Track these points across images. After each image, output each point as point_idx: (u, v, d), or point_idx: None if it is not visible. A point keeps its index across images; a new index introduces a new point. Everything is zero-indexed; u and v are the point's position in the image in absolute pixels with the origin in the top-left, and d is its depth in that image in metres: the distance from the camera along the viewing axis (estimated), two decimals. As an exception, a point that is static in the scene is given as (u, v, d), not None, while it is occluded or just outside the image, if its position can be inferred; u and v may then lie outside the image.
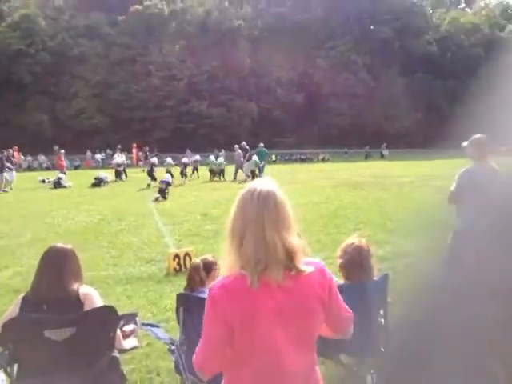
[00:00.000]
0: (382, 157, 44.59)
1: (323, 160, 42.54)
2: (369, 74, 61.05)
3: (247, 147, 22.72)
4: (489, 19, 69.85)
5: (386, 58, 61.77)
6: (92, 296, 2.59)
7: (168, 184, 15.62)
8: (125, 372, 2.88)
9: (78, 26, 53.34)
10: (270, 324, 1.46)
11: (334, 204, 12.50)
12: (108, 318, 2.59)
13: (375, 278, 2.76)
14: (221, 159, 22.79)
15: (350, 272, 2.70)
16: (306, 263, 1.53)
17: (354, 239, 2.79)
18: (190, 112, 52.23)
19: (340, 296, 1.64)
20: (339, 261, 2.79)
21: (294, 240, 1.51)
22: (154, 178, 19.05)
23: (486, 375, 2.64)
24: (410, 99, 61.44)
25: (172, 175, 17.42)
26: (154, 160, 21.42)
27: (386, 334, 2.91)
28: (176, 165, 22.79)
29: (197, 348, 1.56)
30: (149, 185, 18.58)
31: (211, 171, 22.20)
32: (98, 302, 2.60)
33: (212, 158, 23.00)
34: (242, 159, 21.95)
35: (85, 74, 50.91)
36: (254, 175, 20.21)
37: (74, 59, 50.99)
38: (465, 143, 4.62)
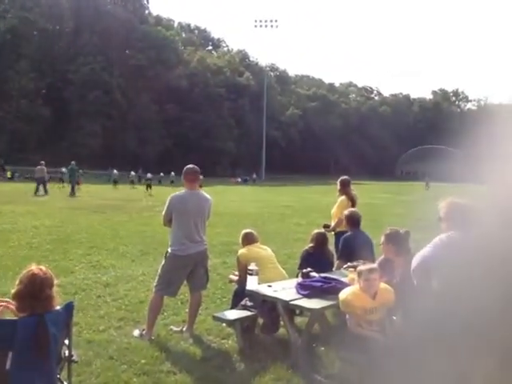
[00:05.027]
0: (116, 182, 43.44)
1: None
2: (123, 96, 61.01)
3: None
4: (230, 64, 79.40)
5: (140, 84, 63.04)
6: None
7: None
8: None
9: None
10: None
11: (68, 228, 11.74)
12: None
13: (58, 308, 2.61)
14: None
15: (22, 303, 2.47)
16: None
17: (32, 266, 2.58)
18: None
19: None
20: (12, 291, 2.54)
21: None
22: None
23: None
24: (161, 126, 64.06)
25: None
26: None
27: (70, 364, 2.78)
28: None
29: None
30: None
31: None
32: None
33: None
34: (45, 175, 23.26)
35: None
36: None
37: None
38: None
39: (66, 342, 2.75)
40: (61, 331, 2.62)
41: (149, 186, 30.36)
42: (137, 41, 65.30)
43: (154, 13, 80.00)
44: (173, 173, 38.50)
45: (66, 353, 2.76)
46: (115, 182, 35.71)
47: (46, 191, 23.03)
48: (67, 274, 6.91)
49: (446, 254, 2.79)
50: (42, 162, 24.47)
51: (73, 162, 24.99)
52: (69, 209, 16.46)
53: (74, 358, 2.77)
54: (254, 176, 59.33)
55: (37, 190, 22.70)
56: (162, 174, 44.74)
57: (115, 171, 40.43)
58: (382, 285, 3.47)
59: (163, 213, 4.68)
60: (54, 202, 19.24)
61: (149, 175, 34.33)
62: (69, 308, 2.69)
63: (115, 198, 22.32)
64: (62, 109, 57.42)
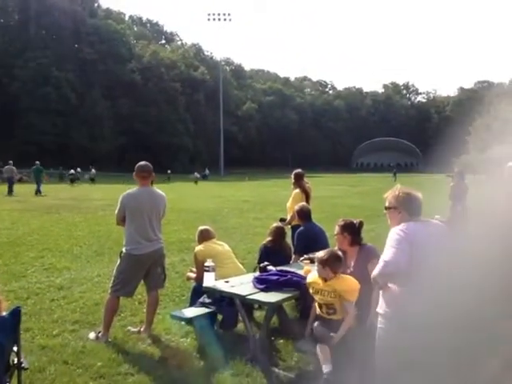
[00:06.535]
0: (93, 180, 42.99)
1: (20, 181, 38.16)
2: (73, 91, 58.98)
3: None
4: (184, 58, 78.33)
5: (91, 79, 61.17)
6: None
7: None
8: None
9: None
10: None
11: (19, 230, 11.28)
12: None
13: (4, 314, 2.52)
14: None
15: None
16: None
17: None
18: None
19: None
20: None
21: None
22: None
23: None
24: (114, 122, 62.41)
25: None
26: None
27: (20, 372, 2.70)
28: None
29: None
30: None
31: None
32: None
33: None
34: (14, 175, 23.57)
35: None
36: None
37: None
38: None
39: (15, 348, 2.66)
40: (8, 338, 2.53)
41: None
42: (86, 35, 63.22)
43: (104, 6, 77.76)
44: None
45: (15, 360, 2.67)
46: (92, 180, 37.24)
47: (11, 191, 22.73)
48: (19, 278, 6.66)
49: (410, 256, 2.60)
50: (10, 161, 24.28)
51: (37, 162, 25.04)
52: (20, 210, 15.80)
53: (23, 364, 2.68)
54: (207, 172, 57.36)
55: (9, 190, 22.63)
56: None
57: (93, 170, 41.70)
58: (344, 275, 3.56)
59: (116, 212, 4.57)
60: (3, 203, 18.42)
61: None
62: (15, 314, 2.60)
63: (69, 198, 21.64)
64: (9, 106, 54.89)
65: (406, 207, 2.79)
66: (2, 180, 25.90)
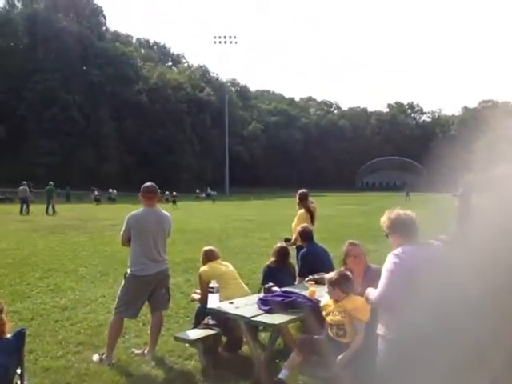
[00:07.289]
0: (110, 199, 43.29)
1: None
2: (80, 113, 59.74)
3: None
4: (191, 80, 79.33)
5: (98, 100, 61.95)
6: None
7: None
8: None
9: None
10: None
11: (25, 250, 11.32)
12: None
13: (8, 336, 2.52)
14: None
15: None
16: None
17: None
18: None
19: None
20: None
21: None
22: None
23: None
24: (121, 143, 62.97)
25: None
26: None
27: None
28: None
29: None
30: None
31: None
32: None
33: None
34: (27, 194, 23.83)
35: None
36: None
37: None
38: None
39: (18, 371, 2.65)
40: (12, 360, 2.53)
41: (174, 202, 35.50)
42: (94, 57, 64.34)
43: (112, 29, 79.29)
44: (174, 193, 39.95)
45: (19, 383, 2.66)
46: (97, 201, 38.53)
47: (27, 211, 23.37)
48: (24, 299, 6.67)
49: (403, 284, 2.60)
50: (24, 182, 25.18)
51: (51, 183, 25.91)
52: (26, 230, 15.86)
53: (27, 388, 2.67)
54: (209, 191, 54.60)
55: (22, 209, 23.33)
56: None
57: (114, 191, 43.86)
58: (354, 296, 3.57)
59: (121, 232, 4.59)
60: (10, 223, 18.51)
61: (174, 193, 38.61)
62: (20, 335, 2.60)
63: (75, 218, 21.71)
64: (18, 127, 55.60)
65: (397, 231, 2.78)
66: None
